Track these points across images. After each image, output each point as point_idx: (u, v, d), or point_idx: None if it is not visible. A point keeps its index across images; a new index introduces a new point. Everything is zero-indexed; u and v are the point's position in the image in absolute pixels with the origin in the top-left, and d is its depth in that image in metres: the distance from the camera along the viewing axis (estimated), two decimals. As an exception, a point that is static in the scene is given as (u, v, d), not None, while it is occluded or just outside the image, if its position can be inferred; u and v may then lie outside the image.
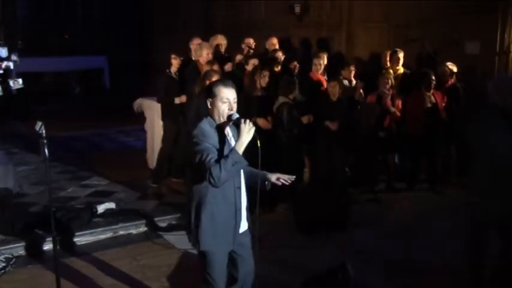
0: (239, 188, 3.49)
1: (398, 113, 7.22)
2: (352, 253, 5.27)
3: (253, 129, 3.29)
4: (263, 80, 6.52)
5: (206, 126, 3.37)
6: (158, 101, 7.52)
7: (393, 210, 6.72)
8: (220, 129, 3.41)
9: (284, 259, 5.19)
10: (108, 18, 15.30)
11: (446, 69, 7.41)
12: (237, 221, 3.49)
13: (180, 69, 7.45)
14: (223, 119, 3.39)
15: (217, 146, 3.33)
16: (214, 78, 6.13)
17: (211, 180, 3.21)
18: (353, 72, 7.64)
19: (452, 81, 7.46)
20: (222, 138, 3.39)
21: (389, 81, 7.21)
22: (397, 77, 7.76)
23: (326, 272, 4.31)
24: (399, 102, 7.27)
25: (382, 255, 5.31)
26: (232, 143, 3.42)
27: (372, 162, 7.43)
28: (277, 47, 8.17)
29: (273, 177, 3.60)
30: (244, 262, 3.61)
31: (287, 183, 3.64)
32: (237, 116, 3.38)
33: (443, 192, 7.23)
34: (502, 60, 8.07)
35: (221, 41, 7.98)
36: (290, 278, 4.63)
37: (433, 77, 7.08)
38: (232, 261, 3.60)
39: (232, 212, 3.45)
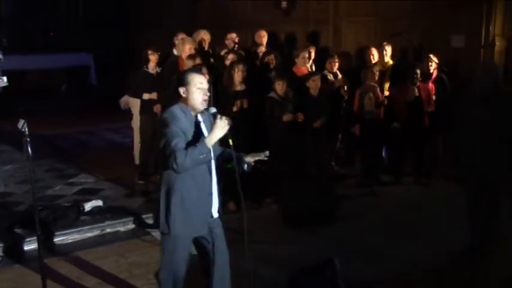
0: (210, 173, 3.51)
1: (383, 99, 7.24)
2: (340, 247, 5.27)
3: (227, 127, 3.31)
4: (238, 75, 6.47)
5: (177, 111, 3.38)
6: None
7: (380, 203, 6.74)
8: (193, 117, 3.43)
9: (271, 253, 5.18)
10: (93, 15, 15.17)
11: (429, 61, 7.43)
12: (208, 206, 3.53)
13: (159, 65, 7.40)
14: (198, 105, 3.41)
15: (188, 131, 3.33)
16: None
17: (174, 166, 3.22)
18: (337, 65, 7.62)
19: (436, 72, 7.48)
20: (194, 124, 3.40)
21: (376, 75, 7.22)
22: (387, 70, 7.77)
23: (313, 266, 4.31)
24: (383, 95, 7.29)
25: (369, 248, 5.33)
26: (204, 131, 3.43)
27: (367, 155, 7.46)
28: (265, 40, 8.14)
29: (249, 155, 3.64)
30: (218, 253, 3.64)
31: (264, 159, 3.69)
32: (214, 110, 3.41)
33: (430, 185, 7.27)
34: (487, 53, 8.12)
35: (204, 36, 7.93)
36: (277, 273, 4.63)
37: (418, 70, 7.09)
38: (206, 252, 3.64)
39: (203, 197, 3.48)
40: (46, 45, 14.75)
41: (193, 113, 3.45)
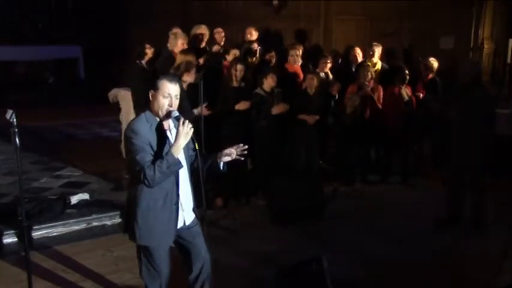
0: (176, 183, 3.41)
1: (379, 103, 7.22)
2: (327, 245, 5.30)
3: (191, 132, 3.24)
4: (239, 72, 6.47)
5: (139, 124, 3.30)
6: (133, 93, 7.42)
7: (367, 203, 6.77)
8: (159, 124, 3.35)
9: (258, 251, 5.19)
10: (82, 7, 15.03)
11: (428, 63, 7.47)
12: (176, 215, 3.45)
13: (151, 60, 7.34)
14: (162, 114, 3.33)
15: (154, 142, 3.27)
16: (193, 70, 6.10)
17: (145, 182, 3.18)
18: (329, 65, 7.64)
19: (431, 76, 7.52)
20: (161, 134, 3.33)
21: (369, 73, 7.22)
22: (375, 71, 7.80)
23: (300, 264, 4.32)
24: (380, 94, 7.29)
25: (356, 246, 5.36)
26: (171, 138, 3.35)
27: (350, 154, 7.47)
28: (254, 37, 8.13)
29: (223, 154, 3.59)
30: (197, 251, 3.61)
31: (242, 153, 3.62)
32: (176, 114, 3.32)
33: (416, 185, 7.33)
34: (475, 55, 8.20)
35: (204, 31, 7.86)
36: (264, 270, 4.64)
37: (407, 72, 7.11)
38: (185, 250, 3.62)
39: (170, 205, 3.41)
40: (34, 36, 14.57)
41: (159, 120, 3.36)
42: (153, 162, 3.18)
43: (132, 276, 4.66)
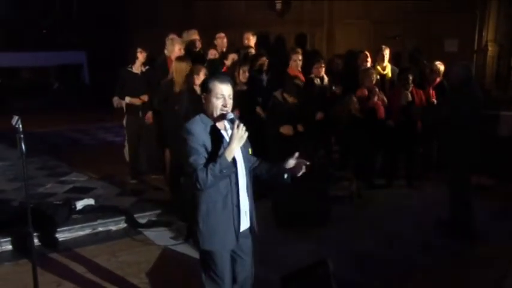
0: (236, 184, 3.32)
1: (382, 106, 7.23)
2: (332, 249, 5.28)
3: (245, 135, 3.17)
4: (243, 75, 6.51)
5: (194, 125, 3.24)
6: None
7: (372, 206, 6.76)
8: (214, 126, 3.28)
9: (264, 255, 5.17)
10: (87, 13, 15.10)
11: (434, 68, 7.46)
12: (238, 216, 3.34)
13: (146, 64, 7.35)
14: (216, 115, 3.26)
15: (208, 143, 3.19)
16: (202, 72, 6.15)
17: (197, 185, 3.11)
18: (323, 69, 7.63)
19: (439, 79, 7.50)
20: (216, 136, 3.24)
21: (374, 78, 7.24)
22: (385, 75, 7.79)
23: (306, 268, 4.31)
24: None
25: (361, 250, 5.34)
26: (227, 139, 3.25)
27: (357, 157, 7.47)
28: (252, 42, 8.15)
29: (289, 165, 3.44)
30: (243, 266, 3.51)
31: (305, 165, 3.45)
32: (231, 116, 3.25)
33: (421, 188, 7.31)
34: (479, 58, 8.18)
35: (197, 36, 7.91)
36: (270, 274, 4.63)
37: (411, 75, 7.09)
38: (232, 261, 3.48)
39: (231, 207, 3.31)
40: (39, 42, 14.65)
41: (214, 122, 3.29)
42: (206, 164, 3.12)
43: (139, 281, 4.68)
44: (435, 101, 7.27)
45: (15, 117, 3.71)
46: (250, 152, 3.39)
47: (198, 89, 6.13)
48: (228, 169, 3.14)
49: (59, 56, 14.58)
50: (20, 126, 3.72)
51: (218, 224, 3.30)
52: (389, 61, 7.95)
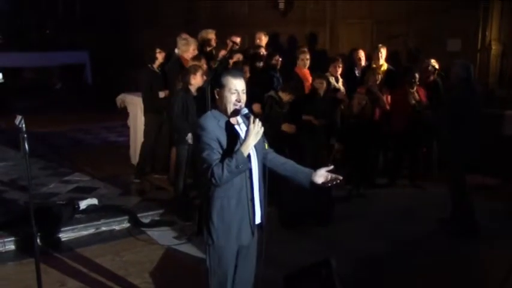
0: (250, 178, 3.29)
1: (387, 106, 7.24)
2: (336, 248, 5.28)
3: (261, 131, 3.13)
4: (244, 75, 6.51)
5: (207, 120, 3.21)
6: (144, 97, 7.43)
7: (376, 206, 6.75)
8: (227, 121, 3.25)
9: (267, 253, 5.16)
10: (89, 13, 15.13)
11: (429, 66, 7.46)
12: (253, 210, 3.32)
13: (161, 64, 7.39)
14: (230, 110, 3.23)
15: (222, 138, 3.16)
16: (199, 73, 6.15)
17: (213, 180, 3.07)
18: (340, 69, 7.64)
19: (433, 77, 7.51)
20: (230, 130, 3.21)
21: (378, 77, 7.23)
22: (381, 73, 7.78)
23: (309, 267, 4.31)
24: (387, 97, 7.29)
25: (365, 250, 5.34)
26: (242, 134, 3.22)
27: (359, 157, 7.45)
28: (264, 42, 8.16)
29: (320, 178, 3.38)
30: (246, 263, 3.49)
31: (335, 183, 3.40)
32: (246, 111, 3.21)
33: (425, 188, 7.29)
34: (483, 57, 8.16)
35: (213, 36, 7.88)
36: (273, 273, 4.61)
37: (416, 74, 7.09)
38: (236, 258, 3.43)
39: (245, 201, 3.28)
40: (42, 42, 14.68)
41: (227, 117, 3.26)
42: (222, 160, 3.08)
43: (142, 280, 4.68)
44: (424, 100, 7.25)
45: (19, 117, 3.71)
46: (266, 147, 3.35)
47: (193, 89, 6.12)
48: (244, 164, 3.11)
49: (61, 56, 14.58)
50: (24, 126, 3.72)
51: (233, 219, 3.27)
52: (386, 60, 7.94)
